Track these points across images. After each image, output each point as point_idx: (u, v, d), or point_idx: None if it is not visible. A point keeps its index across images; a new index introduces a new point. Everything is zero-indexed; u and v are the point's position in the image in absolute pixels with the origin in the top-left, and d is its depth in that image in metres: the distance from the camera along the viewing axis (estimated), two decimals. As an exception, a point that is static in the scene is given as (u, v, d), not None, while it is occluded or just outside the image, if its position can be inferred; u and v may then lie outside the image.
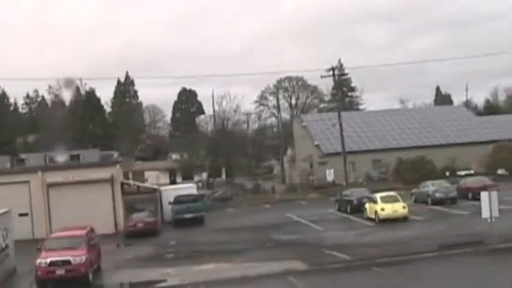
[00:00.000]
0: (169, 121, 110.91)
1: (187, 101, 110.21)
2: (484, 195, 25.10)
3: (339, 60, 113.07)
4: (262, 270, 23.62)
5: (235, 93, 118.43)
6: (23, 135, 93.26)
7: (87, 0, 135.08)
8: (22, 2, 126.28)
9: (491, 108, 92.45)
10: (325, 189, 53.41)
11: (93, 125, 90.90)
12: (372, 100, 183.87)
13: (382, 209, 34.87)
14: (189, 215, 39.41)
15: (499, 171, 54.39)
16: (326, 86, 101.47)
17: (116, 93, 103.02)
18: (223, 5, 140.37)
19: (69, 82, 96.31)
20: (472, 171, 58.70)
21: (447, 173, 53.53)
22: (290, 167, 75.68)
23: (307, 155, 68.81)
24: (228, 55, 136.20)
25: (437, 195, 39.88)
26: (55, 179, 38.55)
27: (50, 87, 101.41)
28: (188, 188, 43.82)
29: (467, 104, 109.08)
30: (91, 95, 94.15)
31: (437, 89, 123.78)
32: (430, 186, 40.93)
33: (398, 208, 34.72)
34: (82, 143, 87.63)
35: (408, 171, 52.66)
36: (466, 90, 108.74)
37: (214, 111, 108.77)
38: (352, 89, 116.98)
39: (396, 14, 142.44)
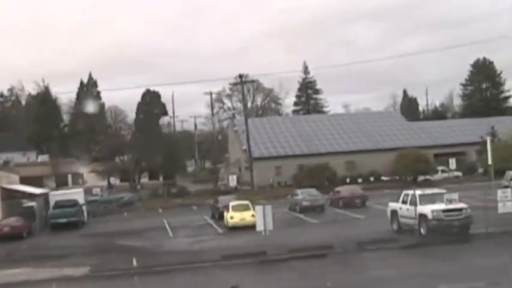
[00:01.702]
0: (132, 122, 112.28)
1: (150, 102, 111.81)
2: (258, 209, 26.57)
3: (304, 63, 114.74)
4: (49, 275, 25.24)
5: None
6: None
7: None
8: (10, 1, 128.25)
9: (438, 113, 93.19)
10: (226, 194, 54.67)
11: (49, 127, 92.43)
12: (354, 101, 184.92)
13: (231, 217, 36.39)
14: (63, 220, 41.15)
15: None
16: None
17: (78, 94, 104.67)
18: (214, 5, 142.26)
19: None
20: (386, 178, 60.32)
21: (347, 180, 54.71)
22: (225, 171, 77.08)
23: (236, 159, 70.36)
24: (218, 55, 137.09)
25: (304, 203, 41.23)
26: None
27: (12, 87, 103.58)
28: (76, 193, 45.47)
29: (427, 108, 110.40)
30: (46, 95, 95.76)
31: (404, 92, 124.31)
32: (299, 195, 42.30)
33: (246, 216, 36.10)
34: (37, 144, 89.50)
35: (306, 178, 53.90)
36: (426, 94, 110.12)
37: (173, 113, 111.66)
38: (317, 92, 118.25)
39: (387, 14, 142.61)
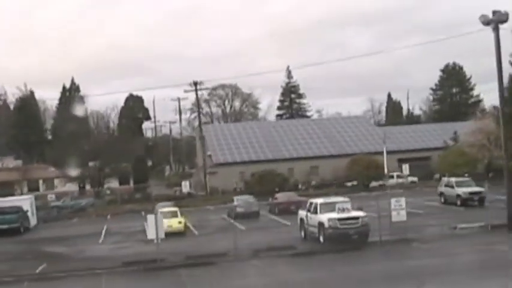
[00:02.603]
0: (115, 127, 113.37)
1: (133, 107, 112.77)
2: (150, 218, 27.24)
3: (287, 68, 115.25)
4: None
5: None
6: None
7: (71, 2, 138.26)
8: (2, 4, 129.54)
9: (410, 118, 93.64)
10: (181, 200, 55.41)
11: (27, 132, 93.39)
12: (343, 105, 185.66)
13: (160, 224, 37.13)
14: (4, 226, 42.01)
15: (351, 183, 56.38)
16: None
17: (61, 99, 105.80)
18: (207, 9, 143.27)
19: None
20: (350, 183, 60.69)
21: (299, 186, 55.26)
22: (195, 176, 77.81)
23: (202, 165, 71.03)
24: (211, 58, 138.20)
25: (238, 210, 41.80)
26: None
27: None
28: (22, 200, 46.37)
29: (408, 112, 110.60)
30: (25, 100, 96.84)
31: (389, 95, 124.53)
32: (235, 201, 42.97)
33: (173, 223, 36.83)
34: (16, 149, 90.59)
35: (256, 184, 54.53)
36: (407, 98, 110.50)
37: (155, 117, 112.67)
38: (301, 96, 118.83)
39: (379, 18, 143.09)
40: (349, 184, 60.91)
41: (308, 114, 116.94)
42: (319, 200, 30.09)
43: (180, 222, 37.07)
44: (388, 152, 69.32)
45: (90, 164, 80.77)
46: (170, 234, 35.86)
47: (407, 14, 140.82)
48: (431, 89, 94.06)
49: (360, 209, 29.27)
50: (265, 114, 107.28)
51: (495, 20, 28.02)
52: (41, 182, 76.15)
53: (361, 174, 56.48)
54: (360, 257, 25.87)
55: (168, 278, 24.27)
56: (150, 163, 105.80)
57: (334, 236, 27.91)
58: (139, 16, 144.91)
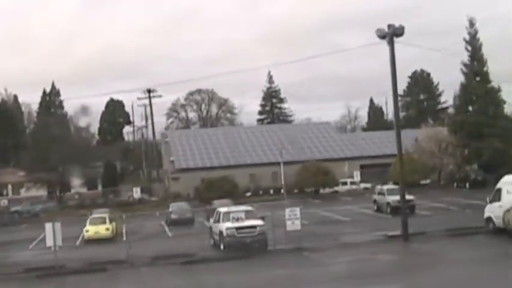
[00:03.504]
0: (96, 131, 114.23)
1: (114, 111, 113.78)
2: (48, 226, 27.96)
3: (269, 73, 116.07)
4: None
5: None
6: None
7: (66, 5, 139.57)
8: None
9: (390, 123, 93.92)
10: (132, 205, 56.14)
11: (5, 136, 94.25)
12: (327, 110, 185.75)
13: (87, 231, 37.95)
14: None
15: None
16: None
17: (41, 103, 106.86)
18: (203, 11, 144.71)
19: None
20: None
21: (248, 193, 55.78)
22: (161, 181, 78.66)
23: (165, 170, 71.89)
24: (207, 61, 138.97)
25: (173, 216, 42.58)
26: None
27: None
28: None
29: (387, 117, 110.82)
30: (6, 104, 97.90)
31: (371, 100, 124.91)
32: (170, 208, 43.66)
33: (100, 230, 37.73)
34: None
35: (205, 191, 55.21)
36: (386, 103, 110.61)
37: (133, 122, 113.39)
38: (282, 101, 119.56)
39: (377, 21, 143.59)
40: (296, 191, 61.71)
41: (289, 119, 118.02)
42: (222, 209, 30.80)
43: (107, 229, 37.85)
44: (351, 159, 70.16)
45: (60, 169, 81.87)
46: (97, 240, 37.06)
47: (400, 18, 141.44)
48: (400, 95, 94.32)
49: (262, 218, 29.98)
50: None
51: (390, 34, 28.68)
52: (10, 186, 77.05)
53: (310, 181, 57.14)
54: (247, 265, 26.46)
55: (52, 284, 25.02)
56: (130, 167, 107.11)
57: (232, 244, 28.63)
58: (133, 19, 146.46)
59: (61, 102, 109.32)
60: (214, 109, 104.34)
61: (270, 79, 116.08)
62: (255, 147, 71.72)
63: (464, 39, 58.76)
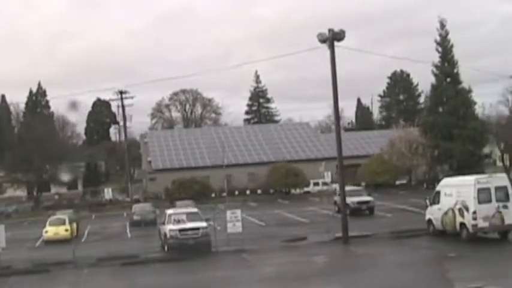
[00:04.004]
0: (82, 131, 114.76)
1: (101, 111, 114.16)
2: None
3: (256, 72, 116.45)
4: None
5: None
6: None
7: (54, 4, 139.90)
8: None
9: (364, 123, 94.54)
10: (102, 206, 56.60)
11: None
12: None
13: (46, 231, 38.40)
14: None
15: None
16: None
17: (27, 103, 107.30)
18: (195, 11, 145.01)
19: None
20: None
21: (224, 194, 56.12)
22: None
23: (142, 170, 72.32)
24: (199, 61, 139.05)
25: (135, 217, 43.04)
26: None
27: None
28: None
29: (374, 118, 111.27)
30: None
31: (358, 100, 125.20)
32: (133, 209, 44.11)
33: (60, 231, 38.17)
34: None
35: (176, 192, 55.66)
36: (371, 103, 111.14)
37: (118, 123, 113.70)
38: (268, 100, 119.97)
39: (367, 21, 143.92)
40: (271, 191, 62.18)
41: (276, 118, 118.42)
42: (168, 211, 31.24)
43: (66, 230, 38.28)
44: (328, 159, 70.29)
45: (42, 169, 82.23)
46: (56, 241, 37.48)
47: (392, 19, 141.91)
48: (379, 95, 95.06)
49: (207, 219, 30.41)
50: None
51: (330, 38, 29.09)
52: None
53: (280, 182, 57.56)
54: (185, 267, 26.80)
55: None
56: (117, 167, 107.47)
57: (175, 245, 29.08)
58: (122, 19, 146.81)
59: (47, 102, 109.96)
60: (198, 109, 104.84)
61: (257, 79, 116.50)
62: (232, 148, 72.08)
63: (435, 41, 58.95)
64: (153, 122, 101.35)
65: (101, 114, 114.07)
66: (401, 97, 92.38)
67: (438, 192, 29.03)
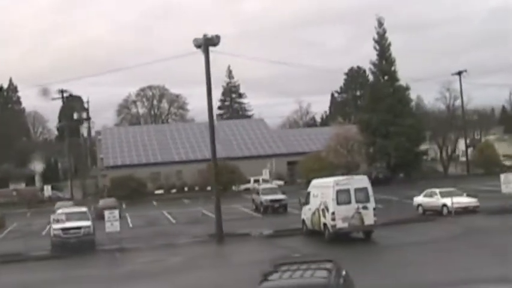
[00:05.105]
0: (53, 127, 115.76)
1: (73, 106, 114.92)
2: None
3: (228, 67, 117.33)
4: None
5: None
6: None
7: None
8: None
9: (326, 120, 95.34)
10: (42, 203, 57.53)
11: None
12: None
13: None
14: None
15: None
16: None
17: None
18: (182, 6, 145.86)
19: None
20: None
21: (159, 191, 57.02)
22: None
23: (96, 168, 73.32)
24: (183, 57, 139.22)
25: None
26: None
27: None
28: None
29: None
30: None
31: (332, 95, 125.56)
32: (56, 206, 45.01)
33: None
34: None
35: (113, 189, 56.63)
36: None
37: (89, 118, 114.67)
38: (241, 96, 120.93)
39: (356, 17, 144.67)
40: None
41: (249, 114, 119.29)
42: (59, 211, 32.20)
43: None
44: (279, 155, 71.46)
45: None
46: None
47: (378, 13, 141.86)
48: (336, 91, 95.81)
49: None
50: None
51: (205, 43, 29.98)
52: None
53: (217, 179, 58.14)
54: (59, 265, 27.92)
55: None
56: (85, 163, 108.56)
57: (57, 244, 30.10)
58: (111, 15, 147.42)
59: (19, 98, 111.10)
60: (165, 105, 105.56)
61: (230, 74, 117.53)
62: (184, 144, 73.03)
63: (374, 39, 59.90)
64: (120, 117, 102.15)
65: (73, 110, 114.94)
66: (358, 93, 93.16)
67: (309, 193, 29.95)
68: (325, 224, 27.86)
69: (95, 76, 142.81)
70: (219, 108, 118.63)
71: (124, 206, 53.36)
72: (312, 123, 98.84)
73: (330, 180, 28.34)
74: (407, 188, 49.49)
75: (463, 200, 34.90)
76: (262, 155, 70.94)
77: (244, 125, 78.93)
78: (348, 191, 27.30)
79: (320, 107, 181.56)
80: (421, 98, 68.52)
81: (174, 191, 62.85)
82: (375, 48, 59.79)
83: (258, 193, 44.45)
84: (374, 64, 59.97)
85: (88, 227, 30.45)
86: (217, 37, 29.91)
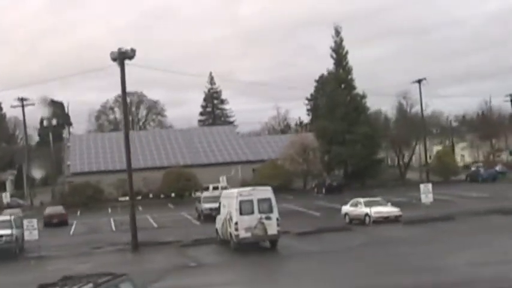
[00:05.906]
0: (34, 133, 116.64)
1: (54, 112, 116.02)
2: None
3: (210, 74, 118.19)
4: None
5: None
6: None
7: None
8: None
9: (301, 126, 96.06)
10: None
11: None
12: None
13: None
14: None
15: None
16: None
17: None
18: (178, 10, 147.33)
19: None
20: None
21: (120, 198, 57.76)
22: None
23: (63, 175, 74.27)
24: (181, 60, 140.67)
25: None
26: None
27: None
28: None
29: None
30: None
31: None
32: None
33: None
34: None
35: (69, 196, 57.62)
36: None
37: (69, 123, 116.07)
38: (222, 102, 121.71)
39: (350, 21, 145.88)
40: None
41: (231, 120, 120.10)
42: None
43: None
44: (245, 162, 72.33)
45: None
46: None
47: (373, 17, 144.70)
48: (307, 98, 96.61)
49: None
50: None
51: (121, 57, 30.96)
52: None
53: (172, 186, 59.35)
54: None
55: None
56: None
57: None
58: (104, 18, 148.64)
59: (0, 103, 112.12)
60: (143, 111, 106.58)
61: (211, 80, 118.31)
62: (151, 151, 73.93)
63: (330, 47, 60.72)
64: (97, 123, 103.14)
65: (54, 116, 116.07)
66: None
67: (219, 203, 30.82)
68: (230, 234, 28.72)
69: (80, 82, 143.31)
70: (201, 114, 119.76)
71: (79, 213, 54.52)
72: (287, 130, 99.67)
73: (234, 191, 29.26)
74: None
75: (384, 210, 35.82)
76: (228, 162, 71.85)
77: (213, 132, 79.80)
78: (251, 201, 28.14)
79: (299, 112, 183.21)
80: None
81: (139, 198, 63.57)
82: (331, 56, 60.69)
83: (199, 201, 45.25)
84: (330, 73, 60.86)
85: (9, 235, 31.36)
86: (133, 50, 30.86)
